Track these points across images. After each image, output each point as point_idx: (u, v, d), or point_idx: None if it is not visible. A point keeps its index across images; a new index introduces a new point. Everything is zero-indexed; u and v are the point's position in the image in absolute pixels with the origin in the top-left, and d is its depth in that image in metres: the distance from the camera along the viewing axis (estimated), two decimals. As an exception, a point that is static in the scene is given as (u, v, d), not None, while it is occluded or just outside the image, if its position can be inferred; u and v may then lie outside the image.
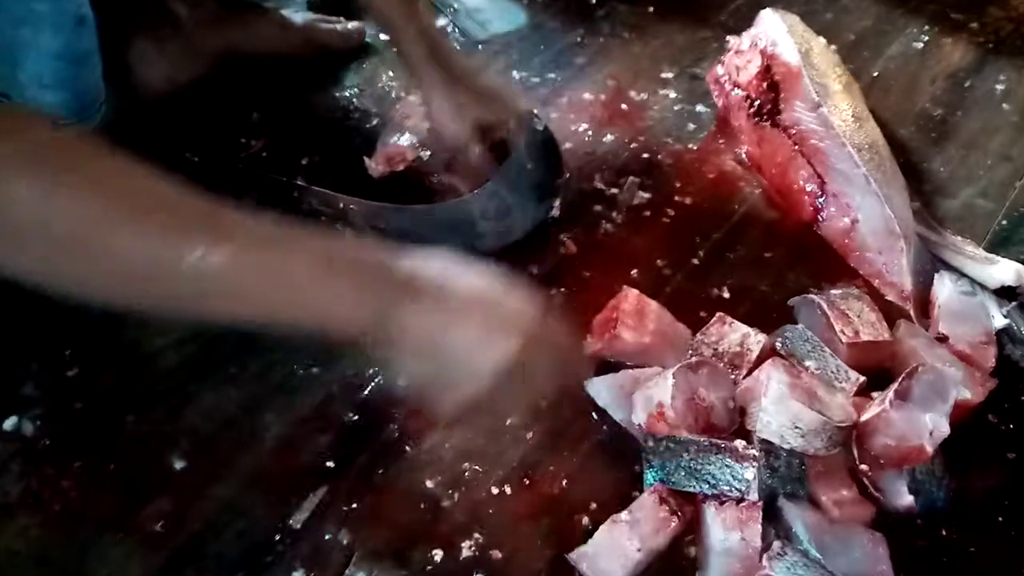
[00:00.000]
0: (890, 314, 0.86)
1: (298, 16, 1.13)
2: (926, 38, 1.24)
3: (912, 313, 0.87)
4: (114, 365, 0.82)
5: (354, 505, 0.74)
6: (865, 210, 0.91)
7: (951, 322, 0.85)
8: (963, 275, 0.91)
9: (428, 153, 1.02)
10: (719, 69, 1.08)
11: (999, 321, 0.86)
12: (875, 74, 1.17)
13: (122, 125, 0.97)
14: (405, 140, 1.03)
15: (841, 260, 0.94)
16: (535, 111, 0.94)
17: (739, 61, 1.05)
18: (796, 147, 0.96)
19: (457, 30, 1.20)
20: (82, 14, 0.77)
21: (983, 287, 0.90)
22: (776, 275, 0.93)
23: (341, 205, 0.89)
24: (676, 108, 1.11)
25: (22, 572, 0.69)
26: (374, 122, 1.07)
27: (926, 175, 1.05)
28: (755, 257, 0.95)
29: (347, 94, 1.10)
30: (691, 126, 1.09)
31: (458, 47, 1.17)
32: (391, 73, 1.13)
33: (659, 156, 1.04)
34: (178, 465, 0.76)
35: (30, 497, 0.73)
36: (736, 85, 1.04)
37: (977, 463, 0.78)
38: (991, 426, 0.81)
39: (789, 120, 0.97)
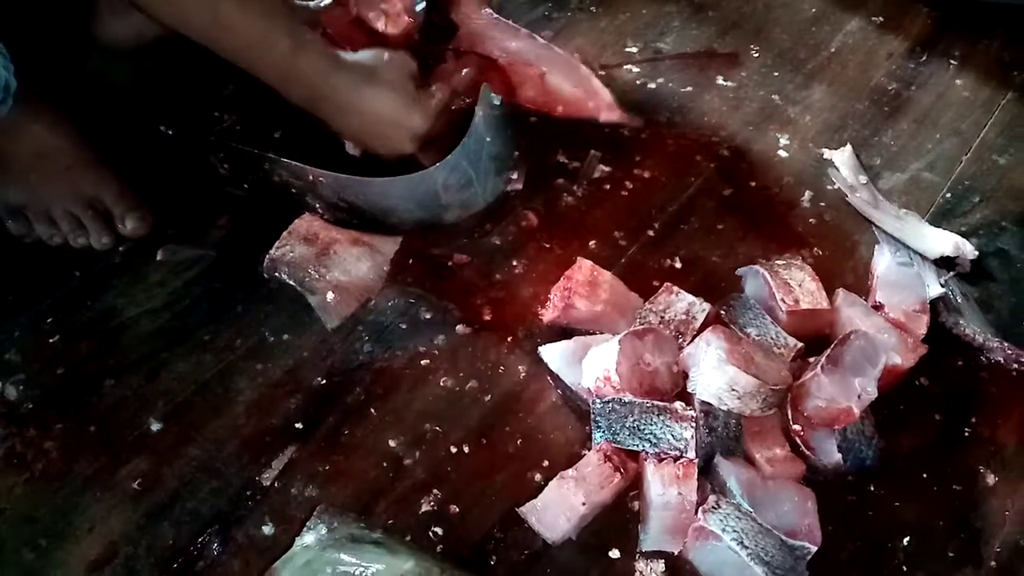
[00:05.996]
0: (832, 284, 0.90)
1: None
2: (885, 13, 1.27)
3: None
4: (93, 333, 0.86)
5: (321, 464, 0.78)
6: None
7: (888, 291, 0.89)
8: (904, 246, 0.95)
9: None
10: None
11: (935, 290, 0.91)
12: (833, 49, 1.21)
13: (94, 85, 1.00)
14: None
15: (791, 232, 0.98)
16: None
17: None
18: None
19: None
20: None
21: (923, 257, 0.94)
22: (727, 246, 0.97)
23: (311, 177, 0.93)
24: (638, 83, 1.14)
25: (9, 529, 0.74)
26: (344, 96, 1.09)
27: (876, 148, 1.09)
28: (708, 229, 0.99)
29: (318, 68, 1.12)
30: (653, 101, 1.12)
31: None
32: (361, 48, 1.15)
33: (620, 130, 1.08)
34: (154, 427, 0.80)
35: (14, 458, 0.77)
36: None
37: (907, 424, 0.83)
38: (921, 389, 0.86)
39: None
